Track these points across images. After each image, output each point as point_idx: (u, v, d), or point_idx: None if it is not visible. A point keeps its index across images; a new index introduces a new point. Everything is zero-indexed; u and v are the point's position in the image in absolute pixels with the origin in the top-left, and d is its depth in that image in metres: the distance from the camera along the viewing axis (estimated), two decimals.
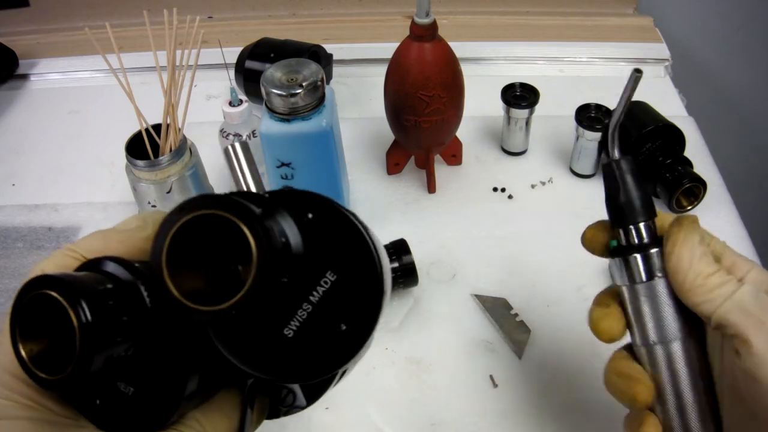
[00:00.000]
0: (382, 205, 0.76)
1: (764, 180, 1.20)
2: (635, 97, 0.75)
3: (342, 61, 0.96)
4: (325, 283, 0.31)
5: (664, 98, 0.88)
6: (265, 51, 0.85)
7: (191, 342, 0.31)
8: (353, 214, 0.32)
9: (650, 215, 0.40)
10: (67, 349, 0.27)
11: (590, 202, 0.74)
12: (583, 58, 0.96)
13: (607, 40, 0.98)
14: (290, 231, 0.29)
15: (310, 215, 0.31)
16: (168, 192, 0.66)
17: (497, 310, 0.64)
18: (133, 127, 0.66)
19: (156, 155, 0.66)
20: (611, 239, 0.42)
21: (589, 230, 0.43)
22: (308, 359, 0.31)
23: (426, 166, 0.76)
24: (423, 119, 0.69)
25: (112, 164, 0.83)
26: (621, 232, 0.40)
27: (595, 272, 0.66)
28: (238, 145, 0.36)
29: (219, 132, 0.73)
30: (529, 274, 0.67)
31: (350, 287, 0.31)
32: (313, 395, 0.37)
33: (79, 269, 0.31)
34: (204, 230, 0.27)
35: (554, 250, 0.69)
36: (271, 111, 0.62)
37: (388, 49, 0.70)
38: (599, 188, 0.76)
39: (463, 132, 0.76)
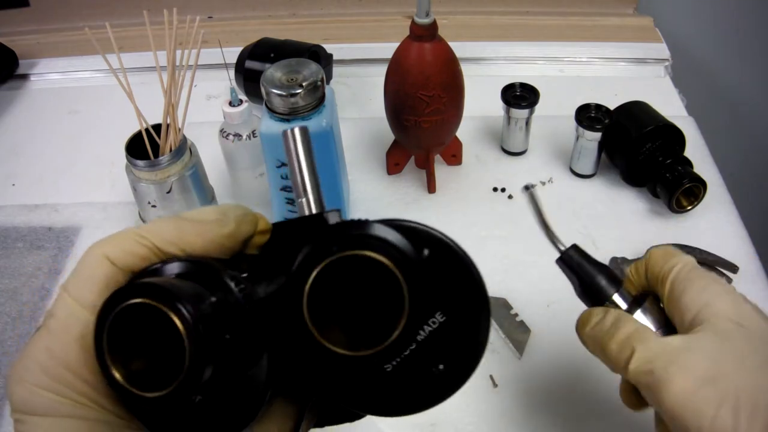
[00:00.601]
0: (382, 206, 0.76)
1: (764, 180, 1.20)
2: (635, 97, 0.76)
3: (342, 61, 0.96)
4: (434, 323, 0.30)
5: (664, 98, 0.88)
6: (265, 51, 0.85)
7: (276, 358, 0.30)
8: (466, 254, 0.31)
9: (617, 285, 0.44)
10: (165, 365, 0.26)
11: (590, 202, 0.74)
12: (583, 58, 0.96)
13: (607, 40, 0.98)
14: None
15: (426, 251, 0.30)
16: (168, 192, 0.66)
17: (497, 310, 0.64)
18: (133, 127, 0.66)
19: (156, 155, 0.66)
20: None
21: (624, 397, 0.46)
22: (400, 395, 0.30)
23: (426, 166, 0.76)
24: (423, 119, 0.69)
25: (112, 164, 0.83)
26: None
27: None
28: (297, 131, 0.34)
29: (219, 132, 0.73)
30: (529, 274, 0.67)
31: (456, 331, 0.30)
32: (358, 414, 0.36)
33: (162, 263, 0.29)
34: (347, 273, 0.26)
35: (554, 250, 0.69)
36: (271, 111, 0.62)
37: (388, 49, 0.70)
38: (599, 188, 0.76)
39: (463, 132, 0.76)
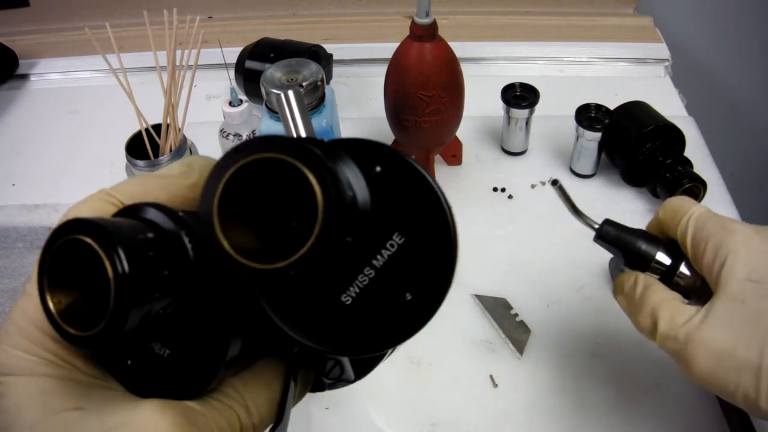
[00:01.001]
0: None
1: (764, 180, 1.20)
2: (635, 97, 0.76)
3: (342, 61, 0.96)
4: (392, 246, 0.27)
5: (664, 98, 0.88)
6: (265, 51, 0.85)
7: (236, 303, 0.28)
8: (425, 170, 0.28)
9: (657, 244, 0.44)
10: (100, 303, 0.24)
11: (590, 202, 0.74)
12: (583, 58, 0.96)
13: (607, 40, 0.98)
14: (357, 184, 0.25)
15: (378, 168, 0.27)
16: None
17: (497, 310, 0.64)
18: (133, 127, 0.66)
19: (156, 155, 0.66)
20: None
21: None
22: (367, 331, 0.27)
23: (426, 166, 0.76)
24: (423, 119, 0.69)
25: (112, 164, 0.83)
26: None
27: (595, 272, 0.66)
28: (291, 94, 0.32)
29: (219, 132, 0.73)
30: (529, 274, 0.67)
31: (419, 252, 0.27)
32: (362, 369, 0.34)
33: (116, 215, 0.28)
34: (261, 177, 0.24)
35: (554, 250, 0.69)
36: (271, 111, 0.62)
37: (388, 49, 0.70)
38: (599, 188, 0.76)
39: (463, 132, 0.76)
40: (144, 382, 0.29)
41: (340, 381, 0.34)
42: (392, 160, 0.28)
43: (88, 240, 0.23)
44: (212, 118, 0.81)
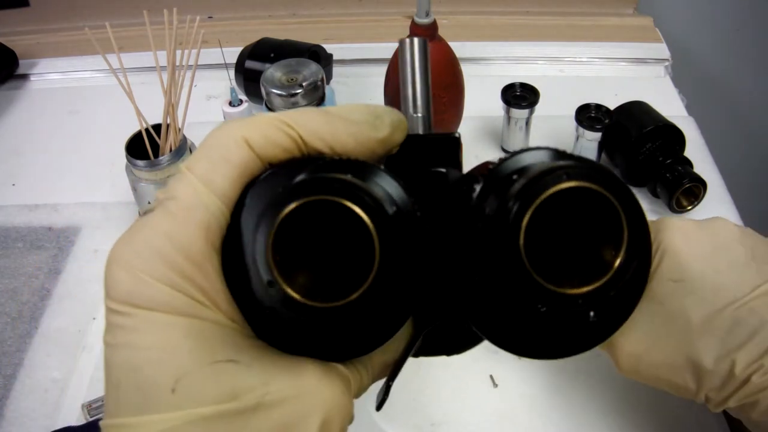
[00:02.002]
0: None
1: (764, 180, 1.20)
2: (635, 97, 0.76)
3: (342, 61, 0.96)
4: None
5: (664, 98, 0.88)
6: (265, 51, 0.84)
7: (420, 279, 0.26)
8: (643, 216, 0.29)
9: None
10: (330, 274, 0.23)
11: None
12: (583, 58, 0.96)
13: (607, 40, 0.98)
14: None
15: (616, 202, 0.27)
16: None
17: None
18: (133, 127, 0.66)
19: (156, 155, 0.66)
20: None
21: None
22: (547, 338, 0.29)
23: None
24: None
25: (112, 164, 0.83)
26: None
27: None
28: (417, 41, 0.31)
29: None
30: None
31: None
32: (457, 348, 0.35)
33: (342, 164, 0.25)
34: (570, 203, 0.24)
35: None
36: (271, 111, 0.62)
37: (388, 49, 0.70)
38: None
39: (463, 132, 0.76)
40: (288, 336, 0.26)
41: (440, 353, 0.35)
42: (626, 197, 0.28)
43: (352, 205, 0.22)
44: (212, 118, 0.81)
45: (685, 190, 0.69)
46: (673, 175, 0.69)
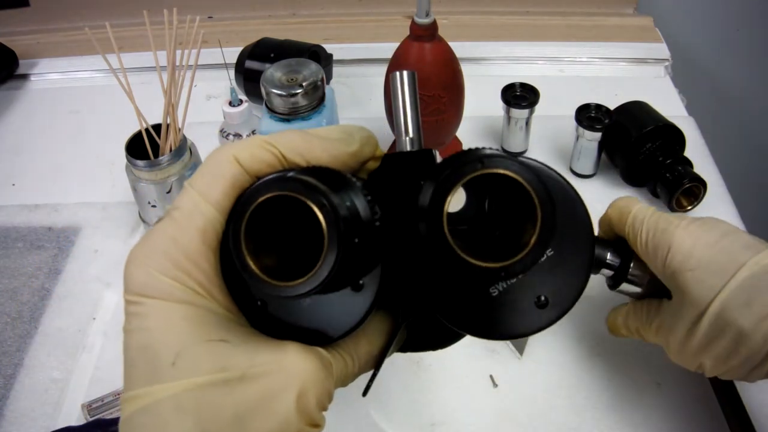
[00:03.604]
0: None
1: (764, 180, 1.20)
2: (635, 97, 0.76)
3: (342, 61, 0.96)
4: (546, 254, 0.32)
5: (664, 98, 0.88)
6: (265, 51, 0.84)
7: (390, 267, 0.31)
8: (578, 196, 0.34)
9: (605, 246, 0.49)
10: (295, 259, 0.27)
11: (590, 202, 0.74)
12: (583, 58, 0.96)
13: (607, 40, 0.98)
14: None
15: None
16: (168, 192, 0.66)
17: None
18: (133, 127, 0.66)
19: (156, 155, 0.66)
20: None
21: (610, 319, 0.52)
22: (502, 320, 0.32)
23: None
24: (423, 119, 0.68)
25: (112, 164, 0.83)
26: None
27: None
28: (405, 74, 0.36)
29: (219, 132, 0.73)
30: None
31: (562, 265, 0.32)
32: (441, 343, 0.38)
33: (301, 172, 0.29)
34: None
35: None
36: (271, 111, 0.62)
37: (388, 49, 0.70)
38: (599, 188, 0.76)
39: (463, 132, 0.76)
40: (276, 325, 0.31)
41: (426, 349, 0.38)
42: (555, 182, 0.34)
43: (302, 198, 0.26)
44: (212, 118, 0.81)
45: (685, 190, 0.69)
46: (673, 175, 0.69)
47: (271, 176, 0.28)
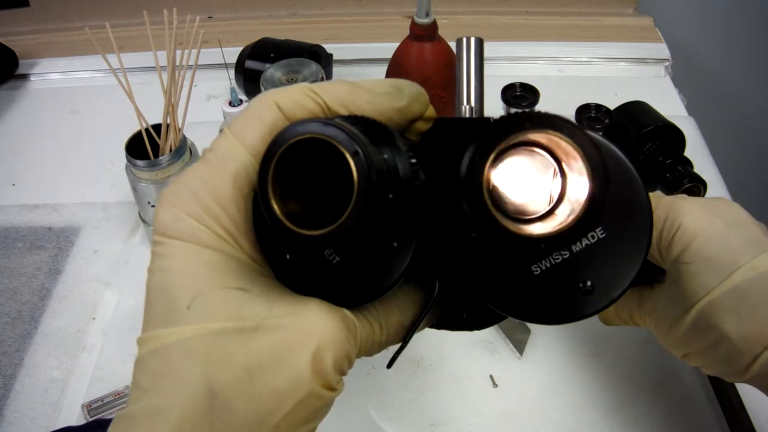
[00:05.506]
0: None
1: (764, 180, 1.20)
2: (635, 97, 0.76)
3: (342, 61, 0.96)
4: (592, 237, 0.30)
5: (664, 98, 0.88)
6: (265, 51, 0.85)
7: (421, 231, 0.29)
8: (639, 177, 0.32)
9: None
10: (325, 207, 0.25)
11: None
12: (583, 58, 0.96)
13: (607, 40, 0.98)
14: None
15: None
16: None
17: None
18: (133, 127, 0.66)
19: (156, 155, 0.66)
20: None
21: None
22: (542, 302, 0.30)
23: None
24: None
25: (112, 164, 0.83)
26: None
27: None
28: (473, 40, 0.34)
29: (219, 132, 0.73)
30: None
31: (614, 251, 0.30)
32: (476, 324, 0.36)
33: (347, 120, 0.27)
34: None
35: None
36: None
37: (388, 49, 0.70)
38: None
39: None
40: (301, 280, 0.29)
41: (462, 328, 0.37)
42: (616, 160, 0.32)
43: (336, 143, 0.24)
44: (212, 118, 0.81)
45: (685, 190, 0.69)
46: (673, 175, 0.69)
47: (308, 120, 0.26)
